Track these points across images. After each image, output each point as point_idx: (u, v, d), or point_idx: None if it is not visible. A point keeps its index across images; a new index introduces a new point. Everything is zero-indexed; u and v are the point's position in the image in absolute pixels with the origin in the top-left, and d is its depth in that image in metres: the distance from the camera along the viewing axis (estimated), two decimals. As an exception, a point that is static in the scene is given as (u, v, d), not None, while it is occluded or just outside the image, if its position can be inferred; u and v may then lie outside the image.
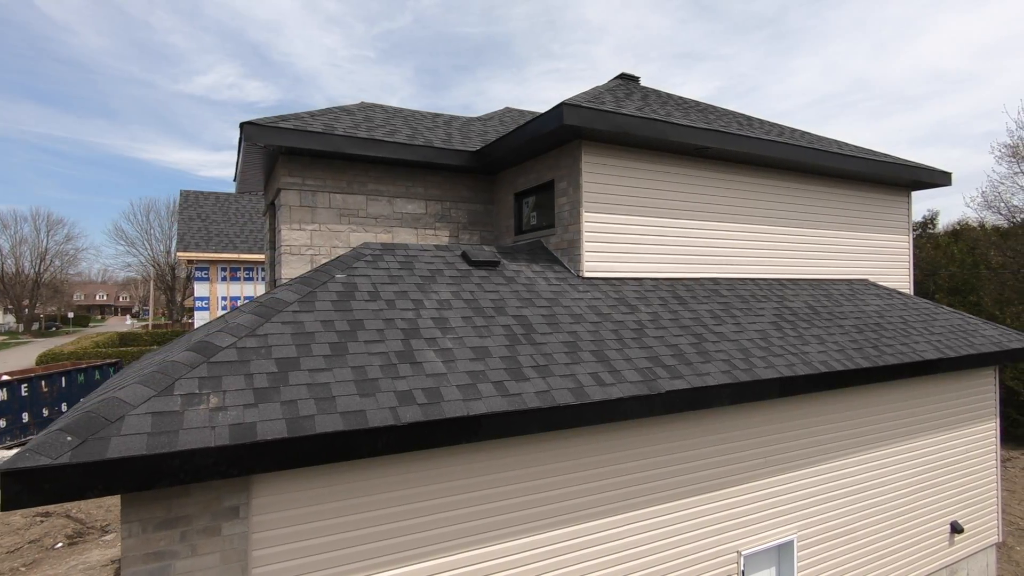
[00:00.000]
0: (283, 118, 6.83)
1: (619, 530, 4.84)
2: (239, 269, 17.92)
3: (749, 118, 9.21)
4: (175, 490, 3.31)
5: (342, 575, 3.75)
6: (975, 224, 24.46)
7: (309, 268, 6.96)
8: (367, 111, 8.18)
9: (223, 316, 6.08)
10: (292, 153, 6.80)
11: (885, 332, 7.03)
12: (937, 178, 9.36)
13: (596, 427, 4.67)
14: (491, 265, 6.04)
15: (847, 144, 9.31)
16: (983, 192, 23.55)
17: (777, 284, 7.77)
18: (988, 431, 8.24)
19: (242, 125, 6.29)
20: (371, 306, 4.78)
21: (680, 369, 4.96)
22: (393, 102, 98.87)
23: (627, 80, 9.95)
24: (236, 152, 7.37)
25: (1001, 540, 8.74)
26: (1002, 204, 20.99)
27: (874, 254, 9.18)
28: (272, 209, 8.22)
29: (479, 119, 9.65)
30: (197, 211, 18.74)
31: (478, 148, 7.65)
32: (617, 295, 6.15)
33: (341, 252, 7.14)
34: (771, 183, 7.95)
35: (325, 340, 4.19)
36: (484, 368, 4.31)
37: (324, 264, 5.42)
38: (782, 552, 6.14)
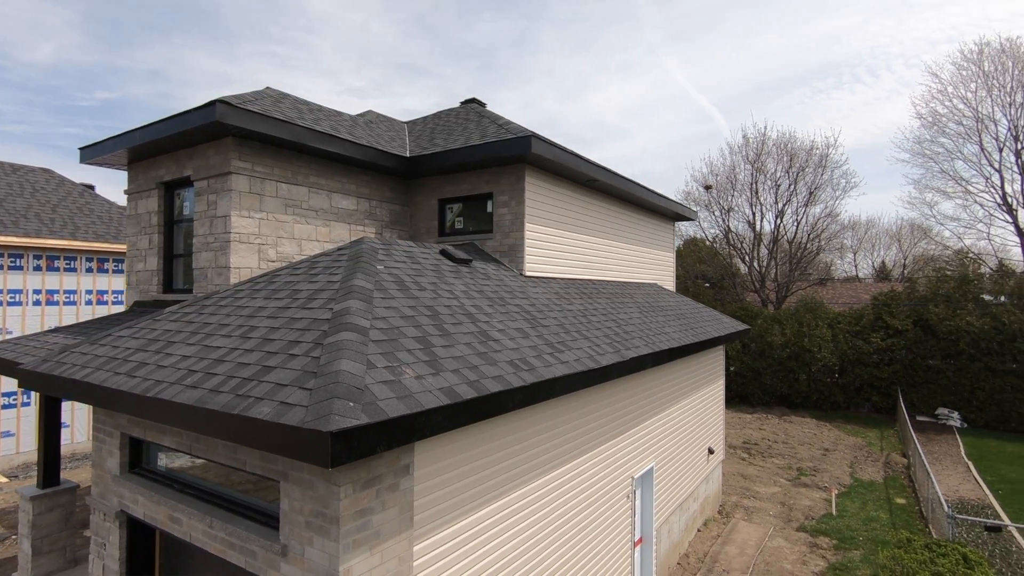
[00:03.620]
0: (240, 99, 6.49)
1: (594, 460, 6.52)
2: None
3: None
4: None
5: (473, 508, 4.55)
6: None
7: (257, 257, 6.71)
8: (292, 101, 7.98)
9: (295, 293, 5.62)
10: (247, 137, 6.51)
11: (688, 319, 10.28)
12: (691, 214, 13.51)
13: (595, 387, 6.25)
14: (467, 263, 7.02)
15: (643, 185, 12.73)
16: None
17: (621, 285, 10.44)
18: (721, 386, 12.46)
19: (215, 102, 5.89)
20: (425, 295, 5.43)
21: (625, 343, 6.90)
22: (49, 48, 77.31)
23: (479, 105, 11.59)
24: (147, 121, 6.56)
25: (724, 458, 13.20)
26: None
27: (659, 265, 12.78)
28: (165, 190, 7.35)
29: (364, 120, 10.02)
30: None
31: (410, 154, 8.33)
32: (553, 291, 7.78)
33: (286, 243, 7.04)
34: (615, 209, 10.61)
35: (426, 323, 4.82)
36: (535, 343, 5.50)
37: (355, 253, 5.70)
38: (645, 476, 8.64)
